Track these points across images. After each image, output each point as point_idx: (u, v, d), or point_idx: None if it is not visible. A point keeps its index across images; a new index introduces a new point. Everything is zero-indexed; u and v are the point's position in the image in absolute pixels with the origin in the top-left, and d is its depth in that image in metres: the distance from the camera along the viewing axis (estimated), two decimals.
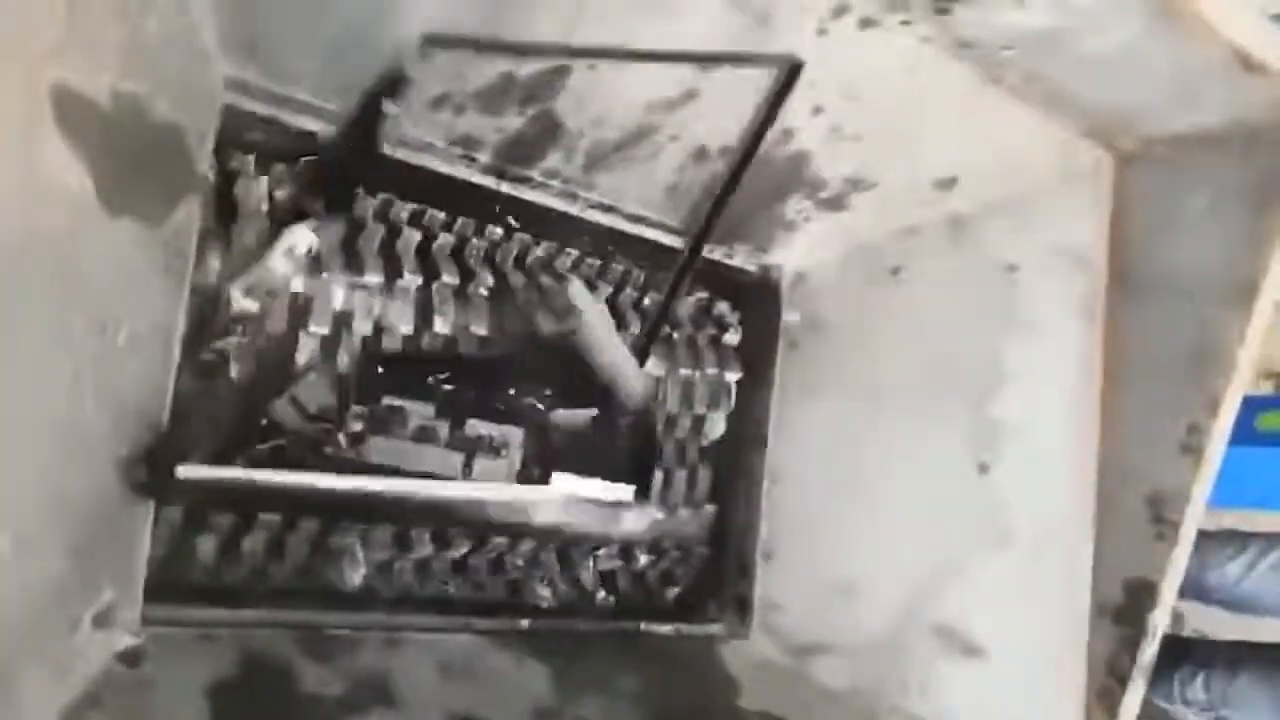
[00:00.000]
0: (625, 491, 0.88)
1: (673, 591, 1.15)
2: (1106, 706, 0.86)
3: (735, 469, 1.16)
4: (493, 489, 0.87)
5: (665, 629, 1.10)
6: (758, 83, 0.85)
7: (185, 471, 0.76)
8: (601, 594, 1.09)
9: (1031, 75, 0.81)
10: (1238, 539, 1.72)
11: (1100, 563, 0.87)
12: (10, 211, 0.53)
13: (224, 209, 0.83)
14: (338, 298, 0.90)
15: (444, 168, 0.92)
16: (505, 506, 0.91)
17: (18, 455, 0.56)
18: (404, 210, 0.94)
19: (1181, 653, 1.74)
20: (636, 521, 1.02)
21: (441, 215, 0.96)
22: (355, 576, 0.88)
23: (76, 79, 0.57)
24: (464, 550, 0.98)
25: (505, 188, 0.95)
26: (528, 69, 0.81)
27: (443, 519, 0.91)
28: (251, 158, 0.84)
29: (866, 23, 0.77)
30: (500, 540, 0.99)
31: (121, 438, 0.69)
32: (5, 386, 0.53)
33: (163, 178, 0.70)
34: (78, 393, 0.61)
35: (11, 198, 0.53)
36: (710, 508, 1.16)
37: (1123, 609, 0.85)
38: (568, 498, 0.89)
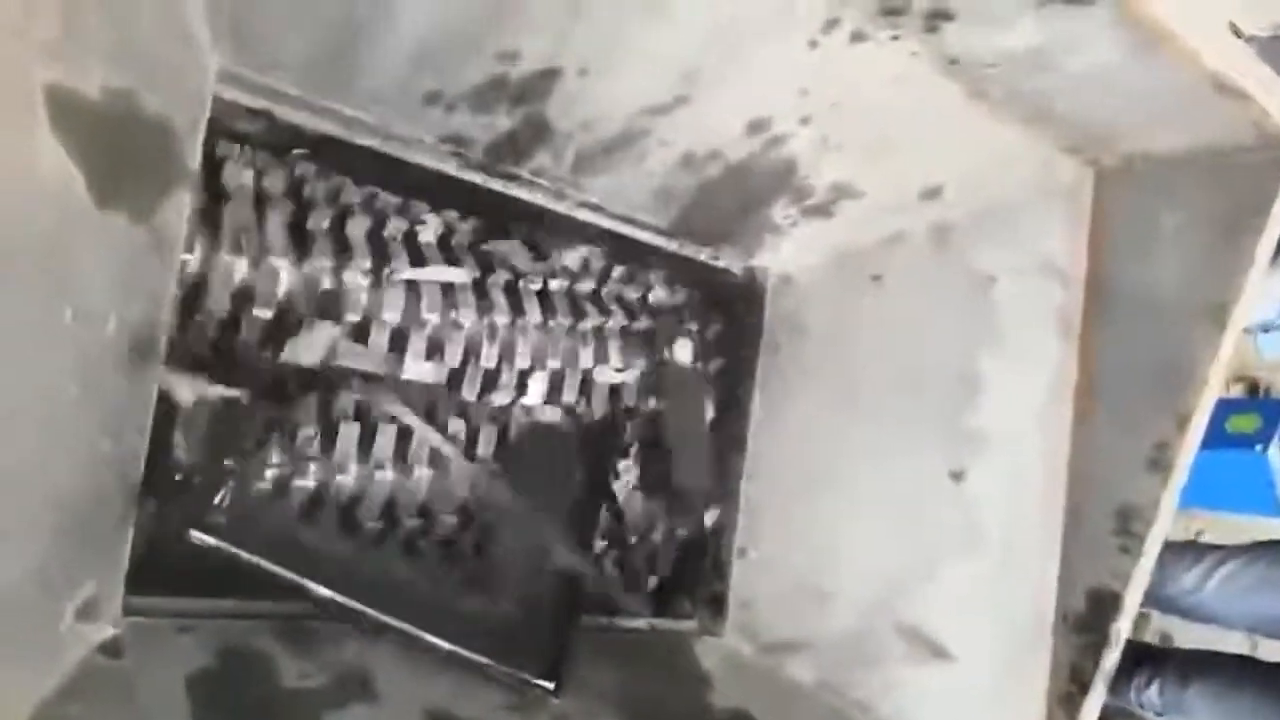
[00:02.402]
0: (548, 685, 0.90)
1: (648, 587, 1.16)
2: (1068, 711, 0.88)
3: (714, 467, 1.17)
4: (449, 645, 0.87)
5: (639, 625, 1.11)
6: (747, 93, 0.86)
7: (198, 537, 0.79)
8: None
9: (1015, 92, 0.83)
10: (1194, 549, 1.76)
11: (1066, 572, 0.89)
12: (1, 206, 0.53)
13: (213, 201, 0.83)
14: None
15: (433, 163, 0.92)
16: None
17: (3, 446, 0.56)
18: (390, 202, 0.95)
19: (1142, 656, 1.78)
20: None
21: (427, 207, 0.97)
22: None
23: (69, 76, 0.57)
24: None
25: (494, 185, 0.96)
26: (519, 70, 0.81)
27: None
28: (241, 149, 0.84)
29: (857, 37, 0.78)
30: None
31: (107, 430, 0.69)
32: None
33: (152, 170, 0.70)
34: (64, 384, 0.62)
35: (2, 193, 0.53)
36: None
37: (1086, 618, 0.87)
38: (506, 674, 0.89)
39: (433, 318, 0.95)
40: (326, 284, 0.90)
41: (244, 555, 0.81)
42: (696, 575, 1.18)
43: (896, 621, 1.00)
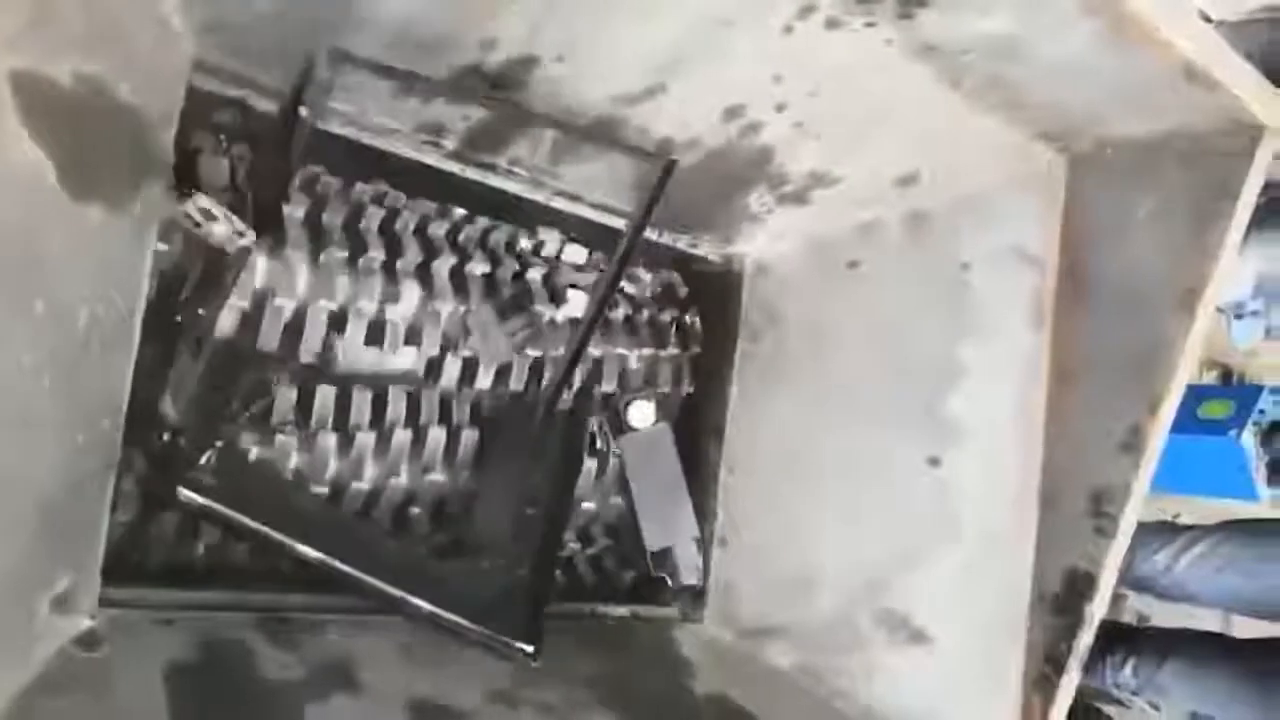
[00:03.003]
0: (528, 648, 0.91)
1: (629, 575, 1.17)
2: (1043, 692, 0.89)
3: (693, 457, 1.17)
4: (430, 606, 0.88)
5: (621, 612, 1.12)
6: (722, 80, 0.86)
7: (186, 496, 0.79)
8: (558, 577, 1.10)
9: (989, 79, 0.83)
10: (1168, 529, 1.78)
11: (1042, 554, 0.90)
12: None
13: (187, 191, 0.83)
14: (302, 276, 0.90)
15: (409, 152, 0.92)
16: None
17: None
18: (366, 191, 0.95)
19: (1116, 637, 1.80)
20: None
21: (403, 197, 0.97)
22: None
23: (38, 62, 0.57)
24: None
25: (470, 173, 0.96)
26: (496, 58, 0.81)
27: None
28: (216, 139, 0.83)
29: (833, 23, 0.78)
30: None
31: (81, 422, 0.68)
32: None
33: (126, 160, 0.69)
34: (37, 377, 0.61)
35: None
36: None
37: (1061, 599, 0.88)
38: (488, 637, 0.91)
39: (411, 307, 0.95)
40: (305, 272, 0.90)
41: (232, 514, 0.81)
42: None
43: (875, 607, 1.01)
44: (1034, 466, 0.90)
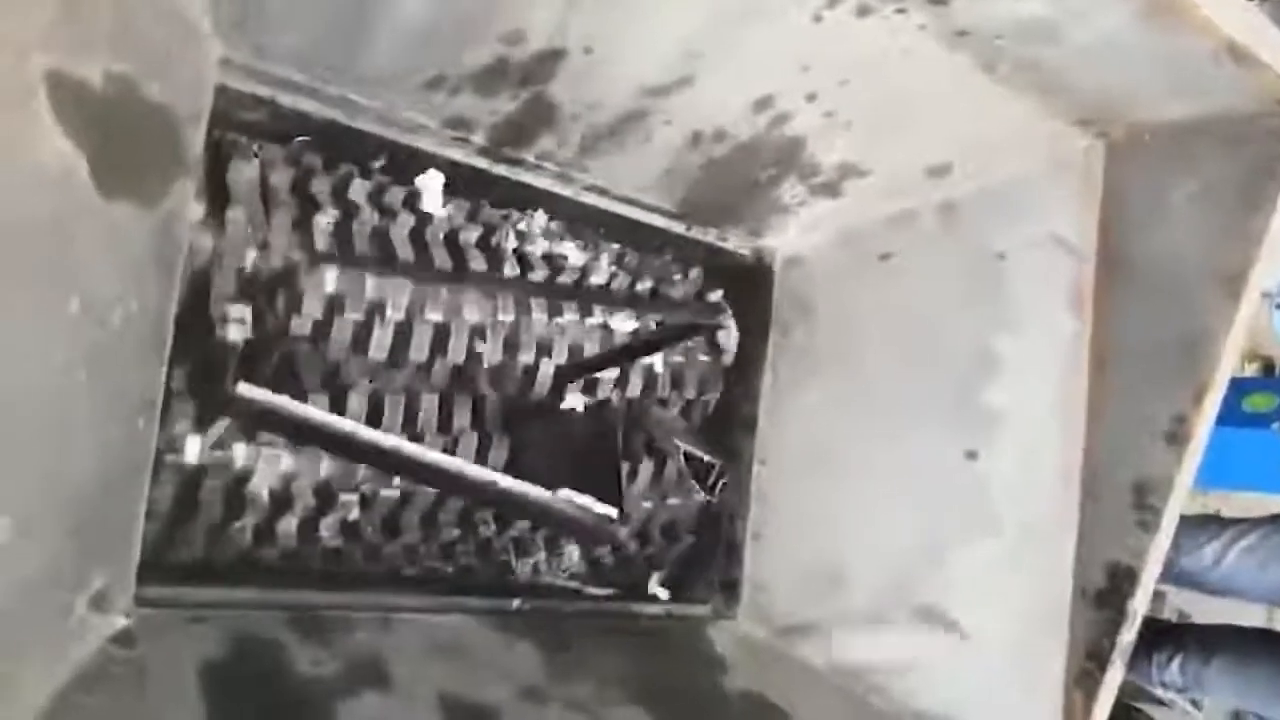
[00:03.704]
0: (611, 511, 0.90)
1: (662, 573, 1.16)
2: (1086, 689, 0.87)
3: (725, 452, 1.17)
4: (504, 479, 0.88)
5: (654, 609, 1.11)
6: (751, 71, 0.85)
7: (245, 390, 0.77)
8: (590, 575, 1.10)
9: (1024, 64, 0.82)
10: (1214, 523, 1.75)
11: (1083, 548, 0.88)
12: (4, 195, 0.53)
13: (217, 189, 0.83)
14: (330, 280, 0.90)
15: (438, 149, 0.91)
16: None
17: (14, 439, 0.56)
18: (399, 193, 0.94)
19: (1161, 634, 1.77)
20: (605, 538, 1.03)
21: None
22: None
23: (69, 62, 0.57)
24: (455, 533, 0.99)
25: (499, 170, 0.95)
26: (523, 51, 0.80)
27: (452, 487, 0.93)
28: (245, 139, 0.84)
29: (863, 10, 0.77)
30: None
31: (116, 420, 0.69)
32: (1, 370, 0.53)
33: (156, 159, 0.70)
34: (73, 375, 0.61)
35: (4, 181, 0.53)
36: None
37: (1104, 593, 0.87)
38: (565, 502, 0.90)
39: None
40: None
41: (291, 406, 0.80)
42: (709, 560, 1.17)
43: (911, 603, 1.00)
44: (1074, 458, 0.89)
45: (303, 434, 0.83)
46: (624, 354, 1.08)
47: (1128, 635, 0.86)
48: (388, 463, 0.84)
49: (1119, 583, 0.86)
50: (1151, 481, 0.84)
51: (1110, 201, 0.92)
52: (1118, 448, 0.87)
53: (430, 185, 0.93)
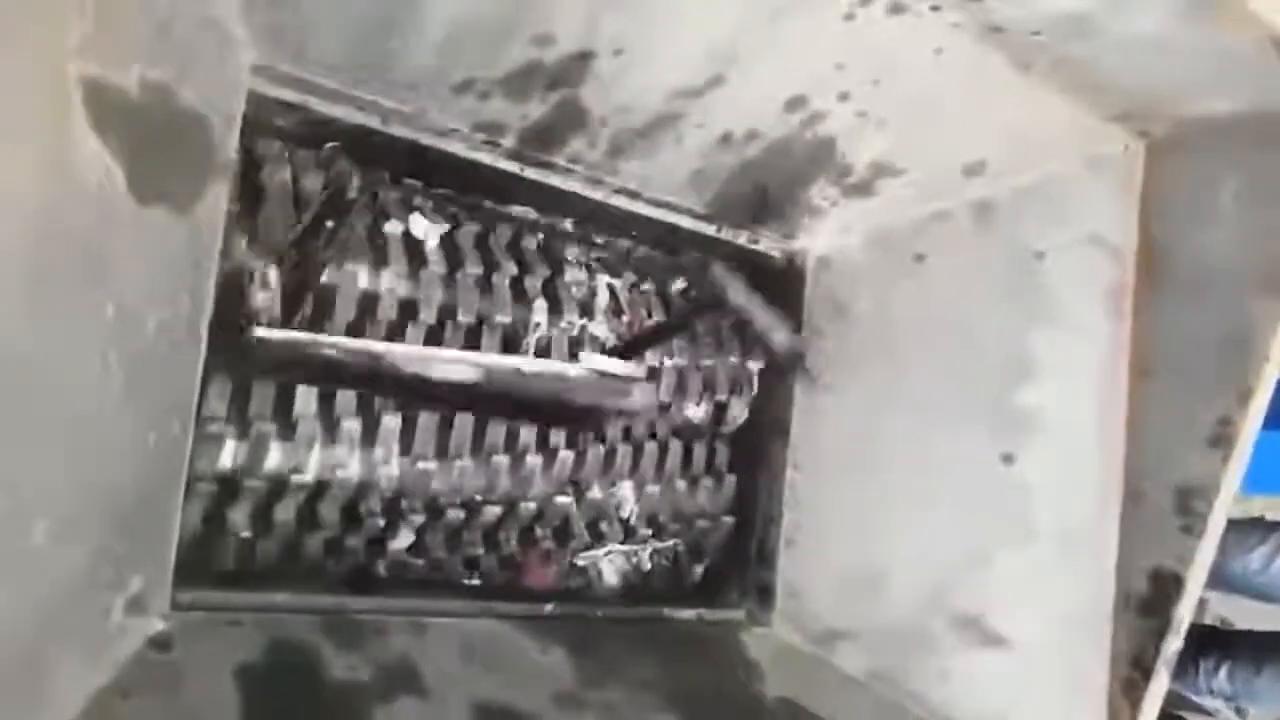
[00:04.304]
0: (638, 369, 0.93)
1: (695, 577, 1.15)
2: (1130, 697, 0.85)
3: (758, 456, 1.16)
4: (526, 361, 0.91)
5: (688, 615, 1.10)
6: (783, 70, 0.85)
7: (262, 332, 0.76)
8: (625, 578, 1.09)
9: (1061, 60, 0.80)
10: (1261, 527, 1.71)
11: (1126, 554, 0.86)
12: (40, 201, 0.53)
13: (250, 195, 0.84)
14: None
15: (468, 153, 0.92)
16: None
17: (51, 444, 0.56)
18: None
19: (1208, 641, 1.73)
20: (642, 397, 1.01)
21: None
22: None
23: (105, 69, 0.57)
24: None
25: (529, 173, 0.95)
26: (553, 54, 0.80)
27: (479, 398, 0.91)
28: (277, 144, 0.84)
29: (896, 8, 0.76)
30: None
31: (152, 425, 0.69)
32: (37, 376, 0.54)
33: (190, 165, 0.70)
34: (109, 381, 0.62)
35: (42, 187, 0.53)
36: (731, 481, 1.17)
37: (1148, 601, 0.85)
38: (588, 371, 0.92)
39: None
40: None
41: (313, 340, 0.78)
42: (743, 565, 1.16)
43: (949, 609, 0.98)
44: (1116, 463, 0.87)
45: (329, 372, 0.80)
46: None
47: (1174, 643, 0.84)
48: (413, 389, 0.83)
49: (1163, 589, 0.84)
50: (1196, 486, 0.83)
51: (1150, 199, 0.90)
52: (1160, 451, 0.85)
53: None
